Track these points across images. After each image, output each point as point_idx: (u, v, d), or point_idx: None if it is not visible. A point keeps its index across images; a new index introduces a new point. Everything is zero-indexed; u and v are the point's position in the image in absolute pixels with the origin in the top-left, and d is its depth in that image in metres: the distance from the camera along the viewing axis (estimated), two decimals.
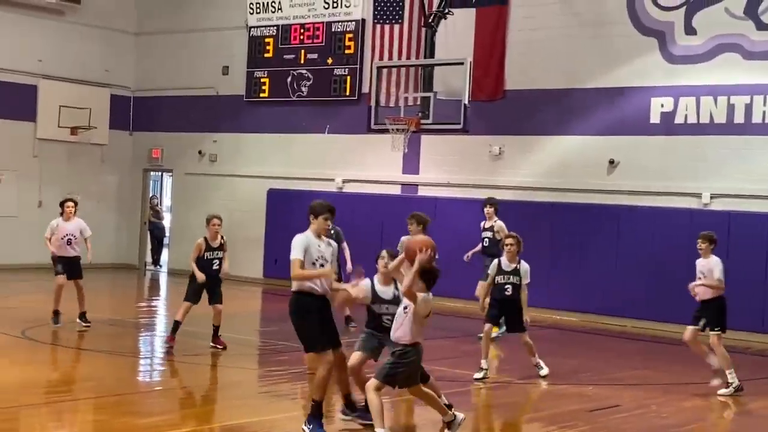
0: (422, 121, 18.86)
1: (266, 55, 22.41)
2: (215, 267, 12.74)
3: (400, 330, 8.21)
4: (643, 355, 14.68)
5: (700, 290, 11.56)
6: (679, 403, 10.80)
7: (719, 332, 11.43)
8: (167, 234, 25.36)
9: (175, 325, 12.66)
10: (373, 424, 8.16)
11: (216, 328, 12.85)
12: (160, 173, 27.56)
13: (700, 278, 11.58)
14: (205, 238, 12.75)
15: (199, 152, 23.58)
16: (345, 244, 14.62)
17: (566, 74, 18.50)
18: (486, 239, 15.19)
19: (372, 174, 20.63)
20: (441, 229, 17.96)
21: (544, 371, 11.89)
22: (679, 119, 17.33)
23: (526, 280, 11.86)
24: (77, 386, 10.38)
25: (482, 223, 15.39)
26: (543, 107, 18.75)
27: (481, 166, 19.47)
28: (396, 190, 20.45)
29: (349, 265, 14.24)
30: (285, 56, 22.10)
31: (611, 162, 17.99)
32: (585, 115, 18.32)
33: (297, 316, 8.57)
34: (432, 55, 19.68)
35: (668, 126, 17.43)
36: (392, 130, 18.76)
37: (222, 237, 12.88)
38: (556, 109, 18.60)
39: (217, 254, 12.74)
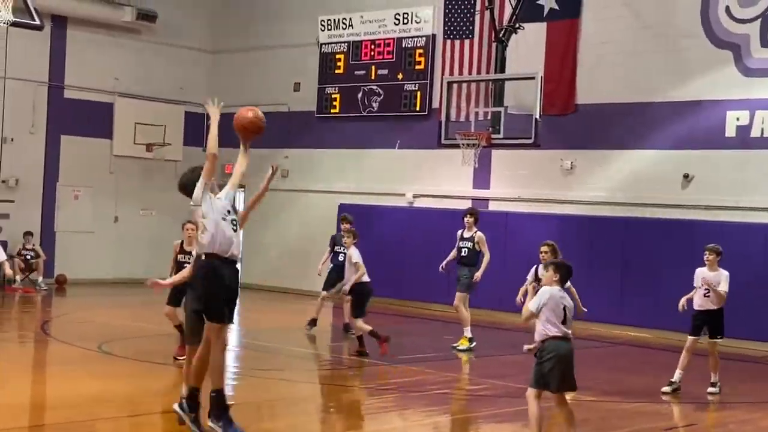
0: (493, 136, 18.78)
1: (337, 71, 22.58)
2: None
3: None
4: (721, 372, 14.39)
5: (702, 301, 12.21)
6: (758, 423, 10.57)
7: (718, 339, 12.24)
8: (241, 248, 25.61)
9: (180, 330, 12.50)
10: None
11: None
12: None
13: (698, 287, 12.24)
14: (182, 242, 12.97)
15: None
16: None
17: (639, 88, 18.30)
18: (465, 249, 14.93)
19: (442, 189, 20.62)
20: (511, 244, 17.92)
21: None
22: (755, 133, 17.02)
23: (567, 284, 11.86)
24: (152, 400, 10.52)
25: (460, 232, 15.09)
26: (615, 121, 18.57)
27: (552, 180, 19.34)
28: (467, 205, 20.36)
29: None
30: (356, 72, 22.25)
31: (686, 176, 17.73)
32: (658, 128, 18.09)
33: (208, 282, 8.22)
34: (503, 70, 19.60)
35: (744, 139, 17.12)
36: (463, 145, 18.73)
37: None
38: (629, 122, 18.40)
39: (190, 258, 12.89)
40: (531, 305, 8.48)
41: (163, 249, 24.05)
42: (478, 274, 14.60)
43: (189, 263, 12.42)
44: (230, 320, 8.38)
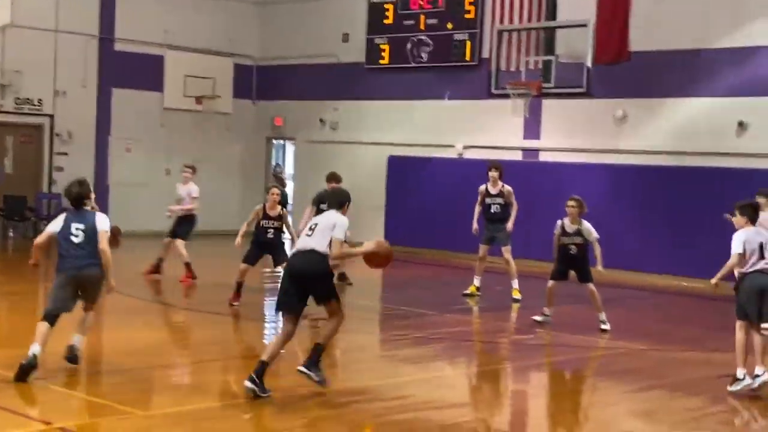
0: (544, 85, 18.59)
1: (386, 21, 22.42)
2: (270, 235, 13.18)
3: None
4: None
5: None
6: None
7: None
8: (290, 201, 25.75)
9: (238, 286, 13.02)
10: None
11: None
12: (282, 141, 27.96)
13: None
14: (264, 206, 13.22)
15: (321, 120, 23.82)
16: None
17: (694, 34, 17.93)
18: (497, 206, 14.71)
19: (493, 140, 20.46)
20: (563, 195, 17.75)
21: (606, 326, 12.25)
22: None
23: (593, 237, 12.27)
24: (205, 349, 10.67)
25: (484, 188, 14.81)
26: (669, 69, 18.24)
27: (604, 130, 19.10)
28: (517, 156, 20.26)
29: None
30: (405, 22, 22.07)
31: (740, 124, 17.42)
32: (713, 76, 17.76)
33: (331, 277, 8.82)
34: (553, 18, 19.34)
35: None
36: (513, 95, 18.57)
37: (282, 208, 13.41)
38: (683, 70, 18.07)
39: (273, 223, 13.18)
40: (736, 248, 9.13)
41: (213, 201, 24.32)
42: (509, 226, 14.54)
43: (272, 228, 12.72)
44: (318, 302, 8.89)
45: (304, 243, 8.70)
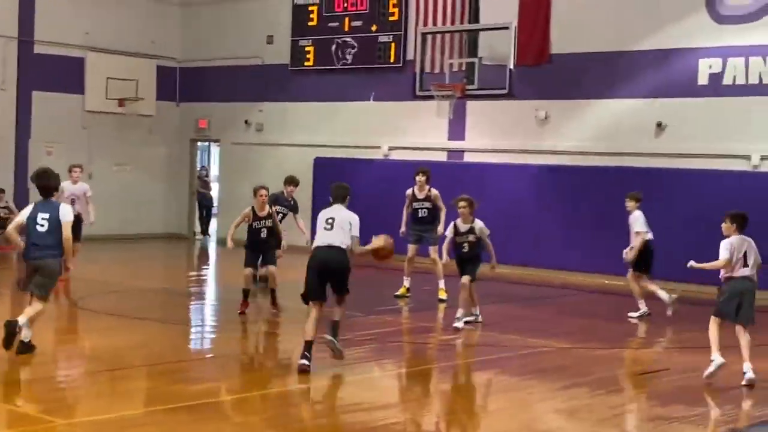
0: (467, 87, 18.78)
1: (310, 23, 22.40)
2: (263, 235, 13.08)
3: None
4: (694, 318, 14.58)
5: None
6: (729, 367, 10.72)
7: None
8: (215, 203, 25.61)
9: (245, 294, 12.99)
10: None
11: (272, 291, 13.23)
12: (207, 143, 27.78)
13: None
14: (252, 208, 13.06)
15: (246, 122, 23.71)
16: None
17: (612, 37, 18.28)
18: (424, 210, 14.91)
19: (418, 141, 20.60)
20: (487, 195, 17.95)
21: (473, 319, 12.67)
22: (727, 80, 17.07)
23: (485, 234, 12.71)
24: (130, 354, 10.56)
25: (411, 192, 15.03)
26: (589, 71, 18.57)
27: (527, 131, 19.36)
28: (442, 157, 20.42)
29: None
30: (329, 24, 22.08)
31: (659, 125, 17.80)
32: (632, 77, 18.12)
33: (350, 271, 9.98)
34: (476, 20, 19.54)
35: (716, 87, 17.17)
36: (437, 96, 18.72)
37: (270, 207, 13.16)
38: (603, 72, 18.41)
39: (265, 223, 13.03)
40: (724, 254, 9.80)
41: (138, 204, 24.09)
42: (440, 229, 14.65)
43: (265, 227, 12.61)
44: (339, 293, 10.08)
45: (326, 238, 9.77)
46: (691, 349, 11.83)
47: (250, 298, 13.07)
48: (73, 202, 15.04)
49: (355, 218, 9.84)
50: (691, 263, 10.29)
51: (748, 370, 9.74)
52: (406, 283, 15.03)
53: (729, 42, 17.03)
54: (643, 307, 13.97)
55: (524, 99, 18.93)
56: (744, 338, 9.86)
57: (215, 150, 27.09)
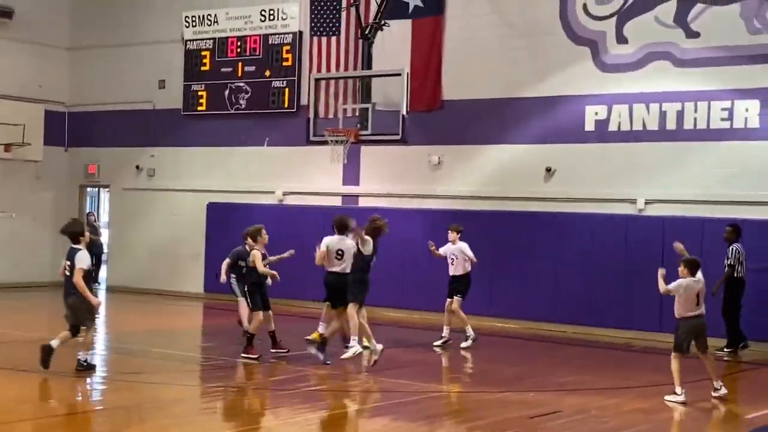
0: (361, 133, 18.87)
1: (203, 68, 22.31)
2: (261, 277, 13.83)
3: None
4: (583, 360, 14.86)
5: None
6: (619, 408, 10.95)
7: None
8: (105, 250, 25.07)
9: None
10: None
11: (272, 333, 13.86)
12: (97, 189, 27.25)
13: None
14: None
15: (137, 167, 23.37)
16: None
17: (502, 84, 18.70)
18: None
19: (312, 186, 20.63)
20: (382, 240, 18.04)
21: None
22: (612, 126, 17.61)
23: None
24: (14, 408, 10.20)
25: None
26: (480, 117, 18.92)
27: (420, 176, 19.58)
28: (337, 202, 20.47)
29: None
30: (222, 69, 22.03)
31: (548, 170, 18.21)
32: (522, 123, 18.53)
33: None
34: (369, 67, 19.74)
35: (602, 133, 17.69)
36: (331, 141, 18.77)
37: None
38: (494, 118, 18.78)
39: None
40: (674, 288, 11.35)
41: (24, 251, 23.41)
42: None
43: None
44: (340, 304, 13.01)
45: (339, 266, 13.09)
46: (581, 391, 12.02)
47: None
48: None
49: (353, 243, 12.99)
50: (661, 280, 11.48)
51: (720, 387, 11.52)
52: (321, 328, 14.80)
53: (613, 90, 17.59)
54: (446, 334, 15.21)
55: (417, 144, 19.15)
56: (710, 362, 11.63)
57: (105, 196, 26.58)
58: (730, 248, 15.47)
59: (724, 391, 11.55)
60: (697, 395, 11.45)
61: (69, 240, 12.10)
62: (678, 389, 11.26)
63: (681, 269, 11.42)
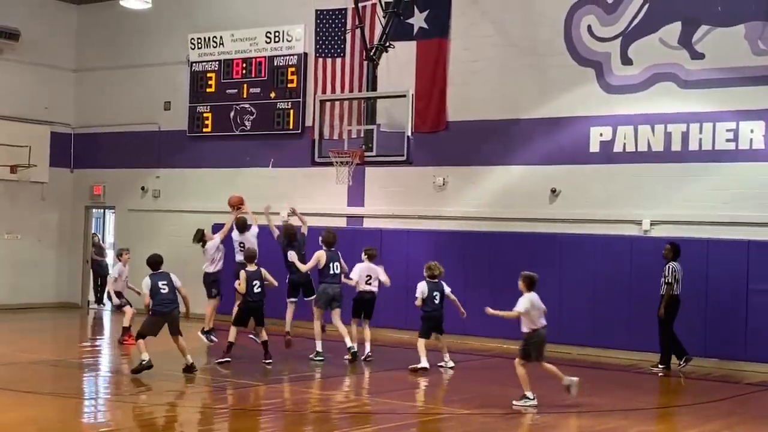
0: (366, 154, 18.87)
1: (208, 89, 22.38)
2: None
3: None
4: (589, 382, 14.78)
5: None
6: (625, 430, 10.89)
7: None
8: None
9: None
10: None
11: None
12: (102, 210, 27.31)
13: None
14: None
15: (142, 188, 23.41)
16: None
17: (507, 105, 18.73)
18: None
19: (317, 207, 20.62)
20: (386, 260, 18.04)
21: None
22: (617, 148, 17.62)
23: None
24: (20, 429, 10.17)
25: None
26: (485, 138, 18.94)
27: (425, 197, 19.59)
28: (341, 223, 20.47)
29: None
30: (227, 90, 22.10)
31: (553, 191, 18.21)
32: (526, 145, 18.54)
33: None
34: (374, 88, 19.76)
35: (607, 155, 17.70)
36: (336, 162, 18.77)
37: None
38: (498, 139, 18.80)
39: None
40: (519, 307, 11.99)
41: (29, 272, 23.43)
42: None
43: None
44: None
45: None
46: (587, 413, 11.97)
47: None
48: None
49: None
50: (488, 310, 12.38)
51: (566, 378, 12.18)
52: (318, 347, 15.77)
53: (618, 111, 17.60)
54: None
55: (422, 165, 19.16)
56: (548, 367, 12.25)
57: (110, 216, 26.64)
58: (668, 266, 15.57)
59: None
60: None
61: (153, 267, 14.06)
62: (529, 393, 11.99)
63: (521, 284, 12.17)
